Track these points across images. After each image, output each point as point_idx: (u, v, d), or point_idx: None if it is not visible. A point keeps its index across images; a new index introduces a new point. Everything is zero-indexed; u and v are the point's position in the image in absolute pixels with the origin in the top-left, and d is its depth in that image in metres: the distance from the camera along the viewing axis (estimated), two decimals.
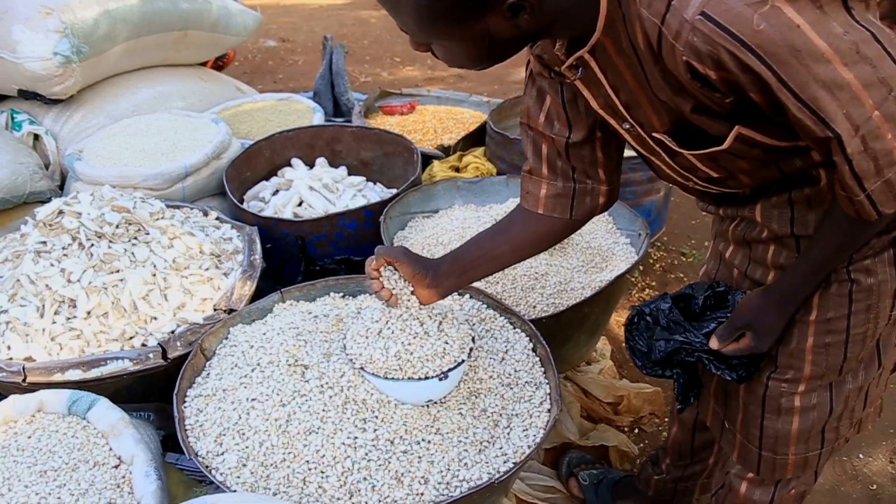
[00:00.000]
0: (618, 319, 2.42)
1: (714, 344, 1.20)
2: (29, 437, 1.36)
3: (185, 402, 1.41)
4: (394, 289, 1.31)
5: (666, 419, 2.07)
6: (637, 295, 2.64)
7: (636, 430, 2.06)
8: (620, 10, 0.92)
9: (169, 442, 1.56)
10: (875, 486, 1.89)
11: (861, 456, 1.98)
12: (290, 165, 2.56)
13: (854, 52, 0.82)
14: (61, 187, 2.37)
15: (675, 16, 0.84)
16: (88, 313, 1.59)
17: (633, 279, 2.70)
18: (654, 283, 2.70)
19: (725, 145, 0.99)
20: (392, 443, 1.28)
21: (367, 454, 1.26)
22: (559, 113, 1.18)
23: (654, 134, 1.06)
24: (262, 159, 2.53)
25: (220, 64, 3.55)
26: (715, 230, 1.34)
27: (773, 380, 1.23)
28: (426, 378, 1.30)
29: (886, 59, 0.83)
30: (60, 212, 1.70)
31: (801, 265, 1.11)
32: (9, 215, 2.15)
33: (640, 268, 2.78)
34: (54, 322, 1.58)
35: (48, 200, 2.16)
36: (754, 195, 1.17)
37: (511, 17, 0.91)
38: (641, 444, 2.00)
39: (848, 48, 0.81)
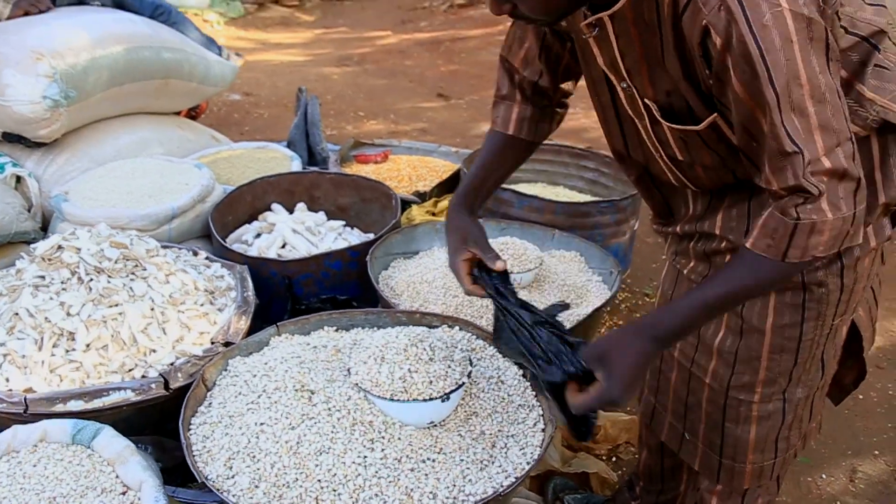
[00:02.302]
0: None
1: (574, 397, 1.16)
2: (34, 466, 1.37)
3: (189, 429, 1.44)
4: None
5: None
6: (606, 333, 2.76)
7: (614, 458, 2.14)
8: None
9: (165, 475, 1.57)
10: None
11: (824, 476, 2.10)
12: (270, 210, 2.63)
13: (822, 91, 0.96)
14: (43, 229, 2.38)
15: None
16: (88, 346, 1.62)
17: (602, 319, 2.82)
18: (620, 322, 2.83)
19: (701, 126, 1.13)
20: (399, 461, 1.34)
21: (377, 472, 1.31)
22: (534, 59, 1.39)
23: (645, 100, 1.19)
24: (244, 204, 2.59)
25: (192, 114, 3.61)
26: (672, 251, 1.46)
27: (732, 388, 1.34)
28: (430, 399, 1.37)
29: (840, 115, 0.98)
30: (59, 247, 1.73)
31: (694, 297, 1.13)
32: None
33: (608, 307, 2.89)
34: (53, 354, 1.60)
35: (32, 241, 2.18)
36: (713, 210, 1.30)
37: None
38: (619, 472, 2.08)
39: (818, 85, 0.96)
